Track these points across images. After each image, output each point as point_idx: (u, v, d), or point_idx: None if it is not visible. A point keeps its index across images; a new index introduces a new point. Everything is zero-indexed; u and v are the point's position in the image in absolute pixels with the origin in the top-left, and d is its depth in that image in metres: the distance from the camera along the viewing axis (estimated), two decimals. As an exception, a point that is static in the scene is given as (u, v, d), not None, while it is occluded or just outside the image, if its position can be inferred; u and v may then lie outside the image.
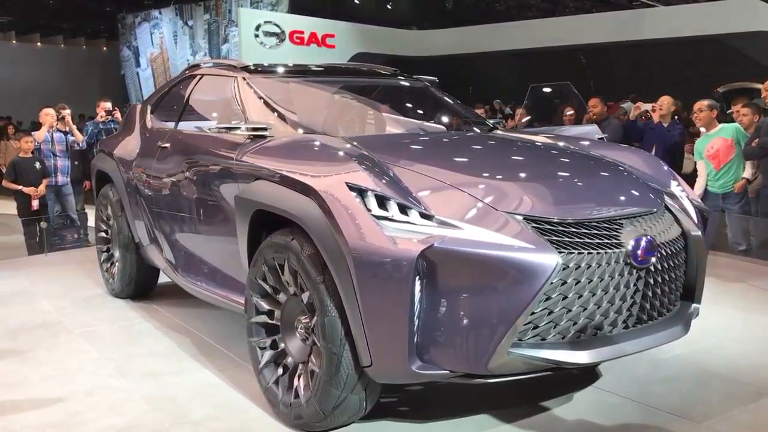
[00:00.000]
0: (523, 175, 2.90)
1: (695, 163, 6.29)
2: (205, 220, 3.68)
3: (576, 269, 2.39)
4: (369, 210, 2.41)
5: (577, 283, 2.40)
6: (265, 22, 16.13)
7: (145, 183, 4.34)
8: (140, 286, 4.74)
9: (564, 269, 2.36)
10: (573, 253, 2.40)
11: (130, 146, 4.68)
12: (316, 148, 2.96)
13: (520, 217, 2.45)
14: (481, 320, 2.33)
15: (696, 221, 2.95)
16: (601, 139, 4.81)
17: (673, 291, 2.77)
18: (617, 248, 2.49)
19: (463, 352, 2.37)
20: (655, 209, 2.80)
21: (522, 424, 2.83)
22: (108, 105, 7.97)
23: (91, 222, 8.11)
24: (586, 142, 3.57)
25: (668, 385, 3.18)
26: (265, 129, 3.28)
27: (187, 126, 4.17)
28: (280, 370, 2.86)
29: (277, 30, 16.27)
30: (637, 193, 2.87)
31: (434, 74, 4.79)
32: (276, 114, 3.60)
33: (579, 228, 2.49)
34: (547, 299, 2.36)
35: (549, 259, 2.33)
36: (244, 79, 3.77)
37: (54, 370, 3.55)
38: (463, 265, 2.33)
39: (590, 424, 2.84)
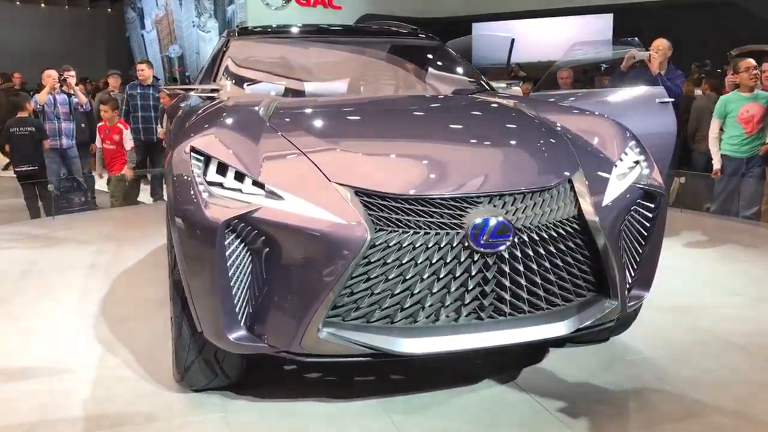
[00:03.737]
0: (392, 145, 2.70)
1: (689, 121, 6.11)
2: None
3: (398, 249, 2.24)
4: (204, 175, 2.37)
5: (400, 265, 2.25)
6: (271, -18, 15.81)
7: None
8: None
9: (385, 248, 2.23)
10: (396, 231, 2.25)
11: (176, 107, 4.84)
12: (205, 112, 2.97)
13: (350, 190, 2.31)
14: (290, 295, 2.26)
15: (599, 204, 2.49)
16: (665, 103, 4.70)
17: (554, 282, 2.43)
18: (453, 229, 2.28)
19: (278, 327, 2.30)
20: (549, 186, 2.46)
21: (378, 408, 2.62)
22: (143, 66, 7.79)
23: (99, 185, 8.13)
24: (542, 106, 3.24)
25: (593, 390, 2.73)
26: (216, 90, 3.29)
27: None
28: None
29: (283, -10, 15.94)
30: (524, 169, 2.55)
31: (444, 36, 4.64)
32: (232, 78, 3.64)
33: (415, 205, 2.31)
34: (367, 279, 2.24)
35: (358, 236, 2.19)
36: (227, 41, 3.84)
37: (45, 308, 3.78)
38: (277, 237, 2.26)
39: (458, 419, 2.55)
